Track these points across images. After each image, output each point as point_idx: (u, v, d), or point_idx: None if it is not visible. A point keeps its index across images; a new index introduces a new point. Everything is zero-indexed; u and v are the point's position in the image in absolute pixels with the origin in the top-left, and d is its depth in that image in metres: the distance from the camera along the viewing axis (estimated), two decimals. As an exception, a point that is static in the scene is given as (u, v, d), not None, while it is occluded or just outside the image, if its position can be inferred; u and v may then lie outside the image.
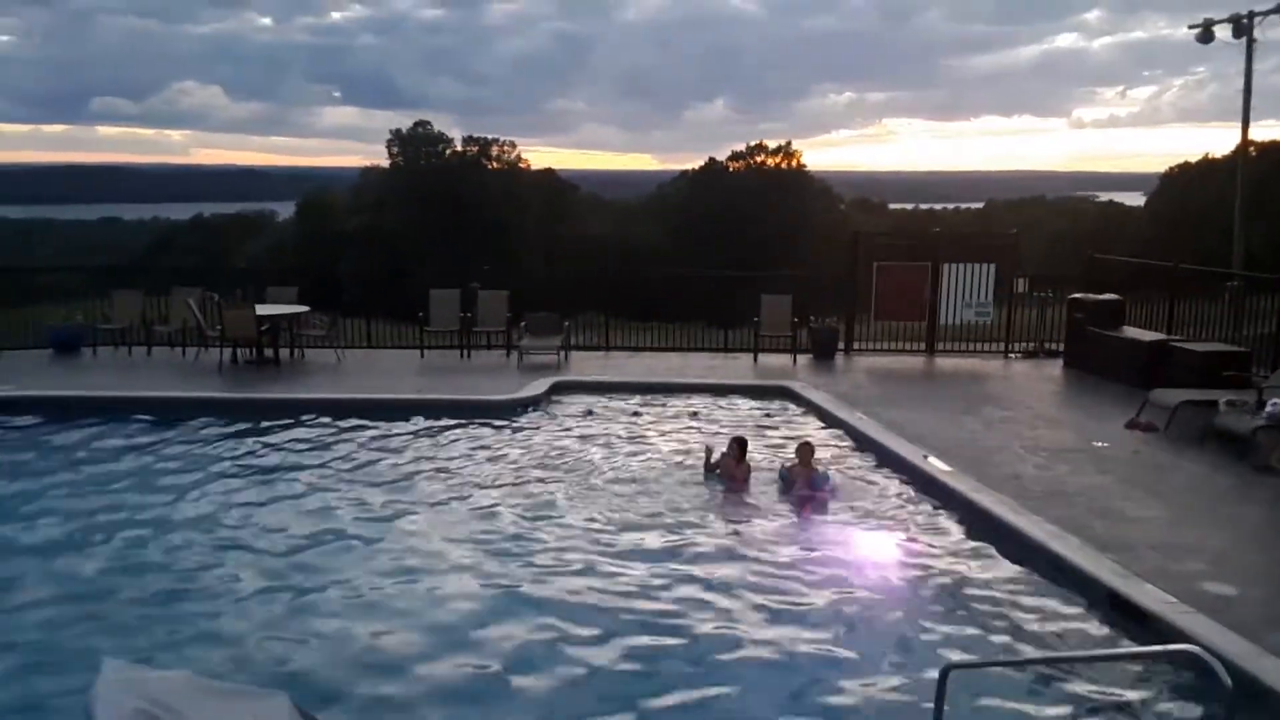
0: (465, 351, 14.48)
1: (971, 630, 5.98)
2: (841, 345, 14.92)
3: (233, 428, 10.29)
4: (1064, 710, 5.12)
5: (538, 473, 9.02)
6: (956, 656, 5.52)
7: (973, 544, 7.33)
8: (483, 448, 9.83)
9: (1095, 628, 5.96)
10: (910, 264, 15.20)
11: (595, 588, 6.53)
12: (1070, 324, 13.95)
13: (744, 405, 11.71)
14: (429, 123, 57.77)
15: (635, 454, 9.63)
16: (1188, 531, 7.39)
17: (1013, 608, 6.26)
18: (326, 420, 10.52)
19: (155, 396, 11.38)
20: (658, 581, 6.60)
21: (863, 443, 9.94)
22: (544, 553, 7.14)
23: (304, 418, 10.57)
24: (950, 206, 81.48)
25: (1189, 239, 31.23)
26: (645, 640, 5.82)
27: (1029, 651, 5.74)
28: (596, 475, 8.95)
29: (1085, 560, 6.61)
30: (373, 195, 54.92)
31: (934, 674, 4.09)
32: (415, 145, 56.51)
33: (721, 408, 11.58)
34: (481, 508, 8.09)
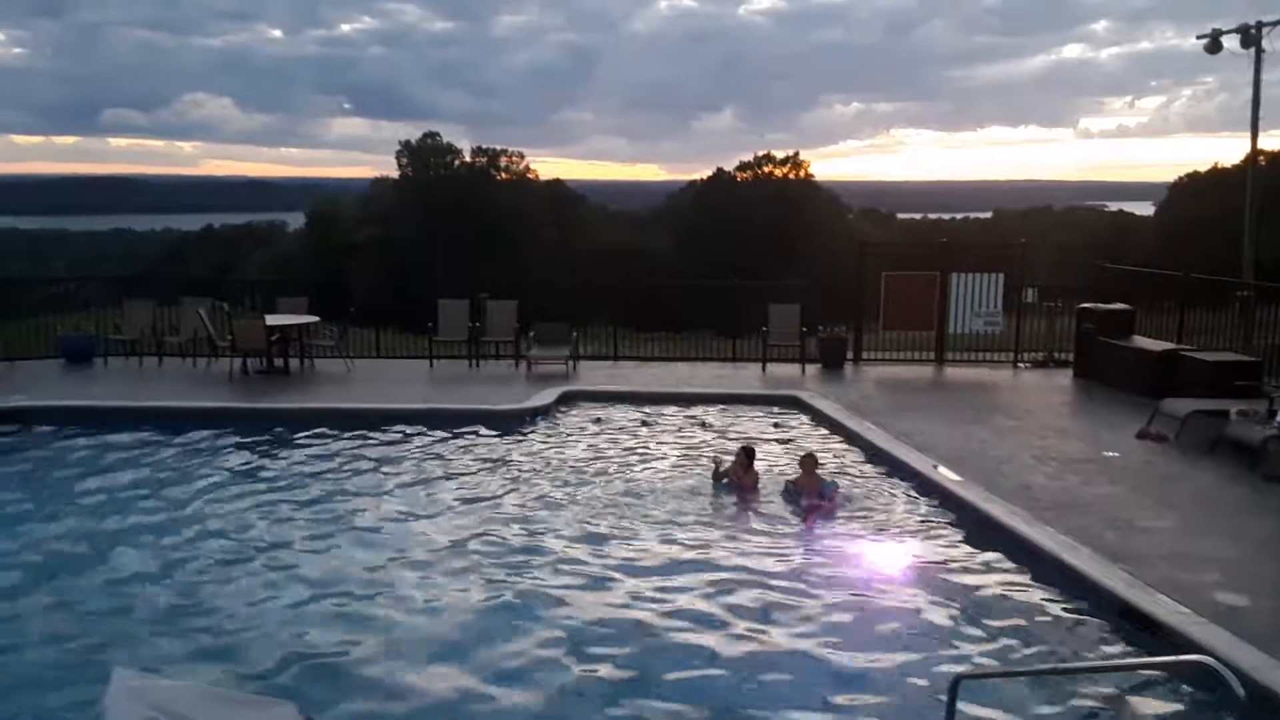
0: (474, 361, 14.51)
1: (981, 640, 5.95)
2: (850, 355, 14.91)
3: (243, 437, 10.32)
4: (1075, 721, 5.09)
5: (545, 482, 9.02)
6: (966, 667, 5.50)
7: (983, 554, 7.30)
8: (491, 457, 9.84)
9: (1106, 638, 5.93)
10: (918, 273, 15.18)
11: (603, 596, 6.52)
12: (1080, 333, 13.91)
13: (752, 415, 11.70)
14: (438, 134, 58.31)
15: (643, 463, 9.62)
16: (1199, 542, 7.35)
17: (1023, 618, 6.23)
18: (336, 430, 10.54)
19: (165, 406, 11.43)
20: (666, 590, 6.59)
21: (872, 452, 9.92)
22: (550, 562, 7.13)
23: (314, 427, 10.59)
24: (958, 216, 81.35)
25: (1199, 248, 31.11)
26: (653, 648, 5.81)
27: (1039, 662, 5.71)
28: (605, 484, 8.95)
29: (1097, 570, 6.58)
30: (382, 206, 55.12)
31: (944, 684, 4.07)
32: (424, 156, 56.80)
33: (730, 417, 11.57)
34: (490, 517, 8.09)
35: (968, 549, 7.44)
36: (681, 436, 10.71)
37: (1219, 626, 5.68)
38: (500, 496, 8.64)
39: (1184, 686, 5.26)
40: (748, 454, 8.86)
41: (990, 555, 7.25)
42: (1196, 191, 46.56)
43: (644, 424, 11.19)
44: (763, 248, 48.19)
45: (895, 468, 9.37)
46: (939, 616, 6.33)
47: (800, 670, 5.63)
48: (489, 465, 9.58)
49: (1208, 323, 13.61)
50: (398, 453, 9.93)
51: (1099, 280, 15.40)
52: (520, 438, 10.58)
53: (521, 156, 58.80)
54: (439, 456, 9.85)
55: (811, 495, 8.37)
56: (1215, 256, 25.46)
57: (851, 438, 10.48)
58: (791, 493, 8.54)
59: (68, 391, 12.47)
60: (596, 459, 9.77)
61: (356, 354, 14.67)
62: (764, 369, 14.33)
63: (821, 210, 57.41)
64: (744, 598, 6.49)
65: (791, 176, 59.46)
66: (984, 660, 5.70)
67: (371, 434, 10.44)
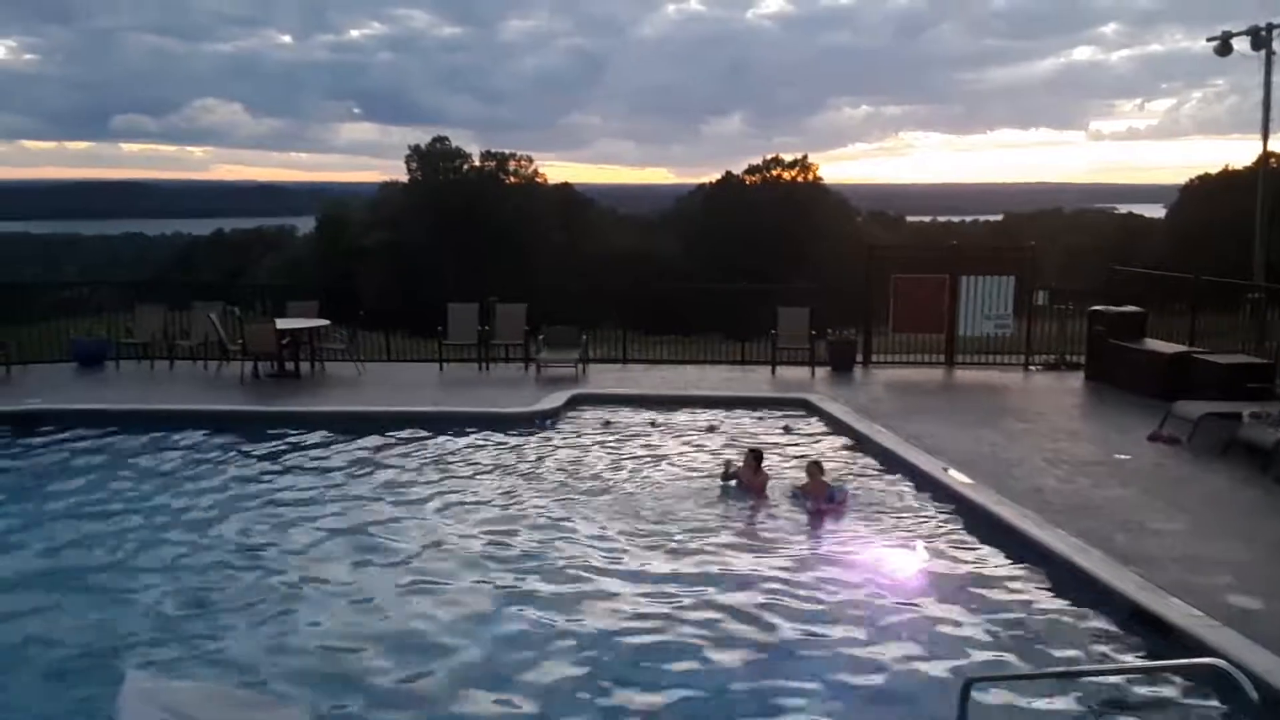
0: (484, 364, 14.54)
1: (993, 643, 5.93)
2: (860, 357, 14.89)
3: (254, 440, 10.35)
4: (1087, 724, 5.07)
5: (555, 484, 9.03)
6: (977, 670, 5.48)
7: (993, 557, 7.27)
8: (501, 460, 9.85)
9: (1118, 641, 5.90)
10: (928, 276, 15.15)
11: (612, 598, 6.52)
12: (1091, 336, 13.86)
13: (762, 417, 11.69)
14: (447, 138, 58.47)
15: (653, 465, 9.62)
16: (1211, 544, 7.32)
17: (1035, 620, 6.21)
18: (347, 432, 10.57)
19: (177, 410, 11.46)
20: (674, 591, 6.58)
21: (882, 455, 9.90)
22: (559, 564, 7.13)
23: (324, 430, 10.63)
24: (968, 219, 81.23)
25: (1210, 251, 31.01)
26: (661, 650, 5.81)
27: (1050, 665, 5.69)
28: (614, 487, 8.96)
29: (1108, 573, 6.55)
30: (391, 210, 55.32)
31: (955, 687, 4.06)
32: (433, 160, 56.97)
33: (739, 420, 11.56)
34: (501, 518, 8.10)
35: (978, 552, 7.41)
36: (690, 439, 10.70)
37: (1231, 629, 5.65)
38: (510, 498, 8.65)
39: (1197, 690, 5.23)
40: (756, 456, 8.86)
41: (1001, 558, 7.23)
42: (1207, 194, 46.42)
43: (652, 424, 11.20)
44: (771, 251, 48.18)
45: (905, 470, 9.34)
46: (949, 619, 6.31)
47: (809, 673, 5.61)
48: (499, 468, 9.59)
49: (1219, 325, 13.55)
50: (408, 455, 9.95)
51: (1110, 283, 15.36)
52: (530, 440, 10.59)
53: (530, 160, 59.04)
54: (449, 459, 9.87)
55: (820, 499, 8.36)
56: (1226, 259, 25.40)
57: (861, 440, 10.46)
58: (800, 496, 8.54)
59: (80, 395, 12.52)
60: (606, 461, 9.77)
61: (367, 357, 14.71)
62: (773, 372, 14.31)
63: (830, 213, 57.41)
64: (753, 600, 6.48)
65: (800, 179, 59.45)
66: (995, 663, 5.68)
67: (382, 437, 10.46)
